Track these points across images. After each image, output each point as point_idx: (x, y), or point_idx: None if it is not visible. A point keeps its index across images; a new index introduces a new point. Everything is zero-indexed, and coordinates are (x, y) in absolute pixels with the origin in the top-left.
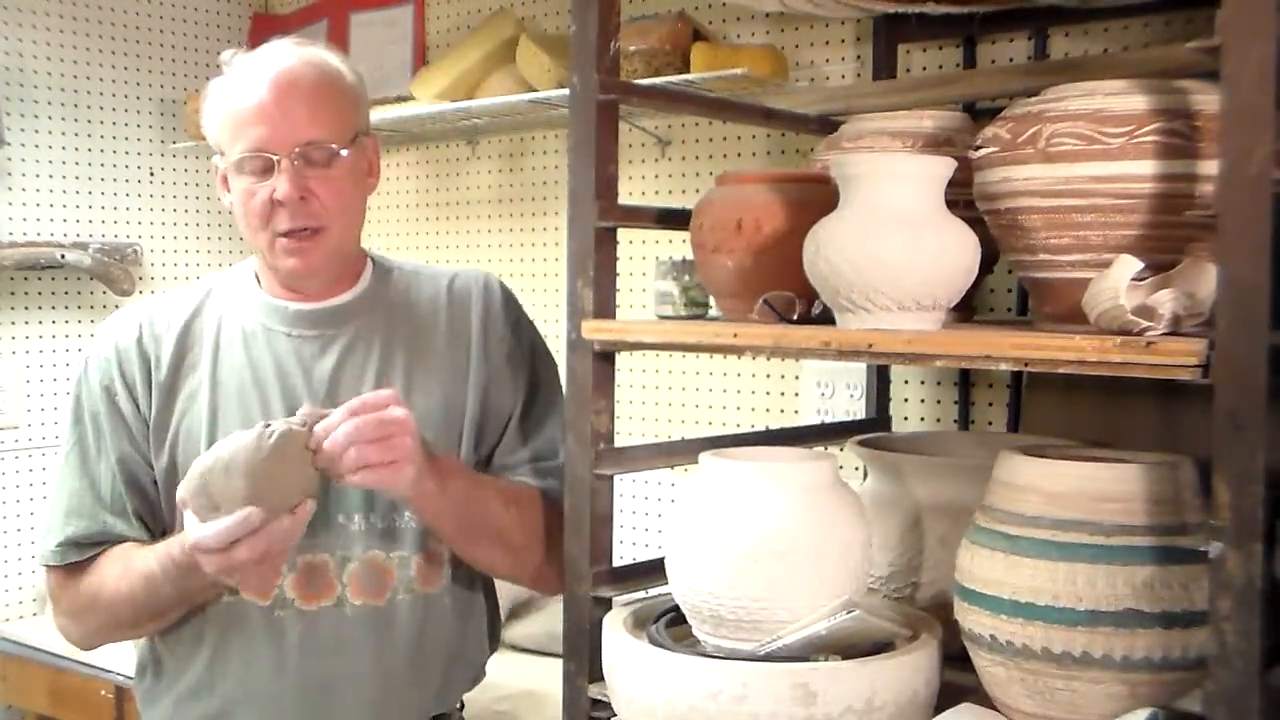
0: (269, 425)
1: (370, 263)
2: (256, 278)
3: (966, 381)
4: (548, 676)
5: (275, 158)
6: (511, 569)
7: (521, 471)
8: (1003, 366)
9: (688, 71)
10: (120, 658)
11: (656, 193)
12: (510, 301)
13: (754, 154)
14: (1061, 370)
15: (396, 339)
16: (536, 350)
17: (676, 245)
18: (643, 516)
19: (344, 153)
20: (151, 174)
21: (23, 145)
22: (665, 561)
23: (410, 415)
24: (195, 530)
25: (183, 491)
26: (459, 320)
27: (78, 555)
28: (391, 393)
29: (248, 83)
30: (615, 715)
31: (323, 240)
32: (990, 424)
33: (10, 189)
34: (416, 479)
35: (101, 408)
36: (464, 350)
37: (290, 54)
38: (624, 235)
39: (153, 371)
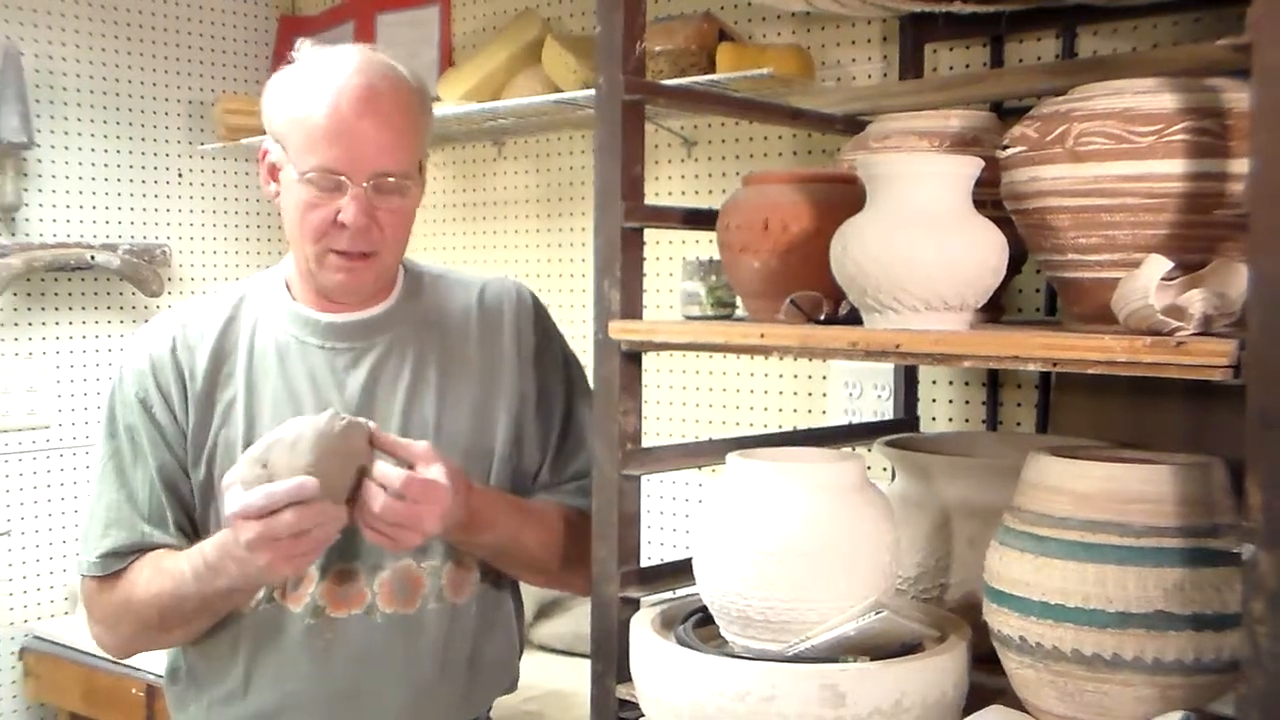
0: (338, 412)
1: (402, 270)
2: (287, 285)
3: (995, 382)
4: (575, 676)
5: (347, 181)
6: (544, 584)
7: (565, 490)
8: (1031, 367)
9: (713, 72)
10: (151, 657)
11: (683, 193)
12: (541, 312)
13: (780, 154)
14: (1091, 371)
15: (429, 351)
16: (569, 361)
17: (703, 245)
18: (670, 517)
19: (410, 184)
20: (180, 175)
21: (52, 147)
22: (693, 562)
23: (447, 490)
24: (237, 499)
25: (234, 471)
26: (491, 331)
27: (117, 565)
28: (440, 475)
29: (328, 90)
30: (643, 715)
31: (374, 263)
32: (1019, 425)
33: (40, 191)
34: (445, 532)
35: (138, 420)
36: (497, 362)
37: (375, 69)
38: (650, 236)
39: (188, 384)
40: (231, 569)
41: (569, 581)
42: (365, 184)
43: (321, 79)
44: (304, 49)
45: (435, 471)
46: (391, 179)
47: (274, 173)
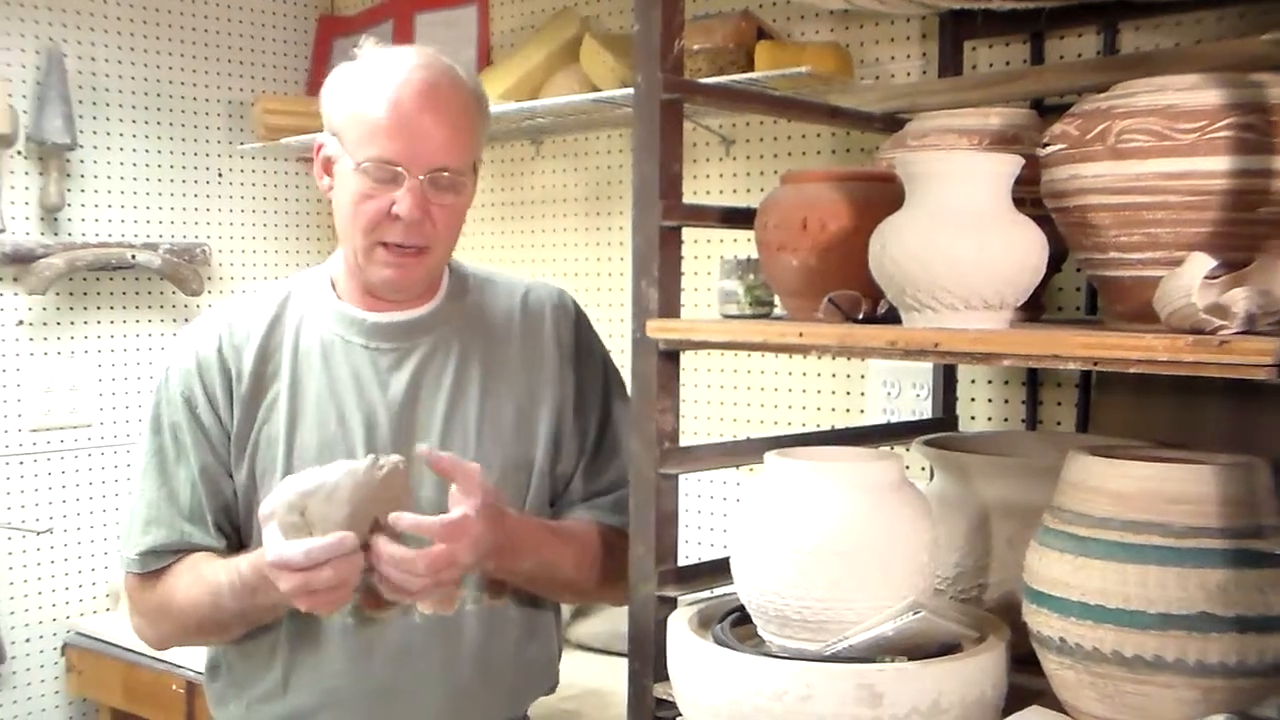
0: (378, 458)
1: (446, 271)
2: (333, 284)
3: (1034, 381)
4: (613, 675)
5: (404, 174)
6: (578, 602)
7: (601, 505)
8: (1071, 366)
9: (752, 70)
10: (191, 654)
11: (721, 191)
12: (582, 317)
13: (819, 152)
14: (1132, 370)
15: (472, 352)
16: (608, 368)
17: (741, 244)
18: (708, 516)
19: (465, 181)
20: (220, 175)
21: (94, 148)
22: (730, 561)
23: (471, 520)
24: (279, 546)
25: (270, 507)
26: (533, 333)
27: (156, 563)
28: (471, 508)
29: (389, 85)
30: (680, 715)
31: (425, 259)
32: (1059, 424)
33: (83, 191)
34: (480, 561)
35: (182, 418)
36: (538, 365)
37: (435, 62)
38: (689, 234)
39: (234, 384)
40: (272, 592)
41: (604, 596)
42: (421, 177)
43: (383, 75)
44: (365, 46)
45: (468, 503)
46: (447, 174)
47: (328, 167)
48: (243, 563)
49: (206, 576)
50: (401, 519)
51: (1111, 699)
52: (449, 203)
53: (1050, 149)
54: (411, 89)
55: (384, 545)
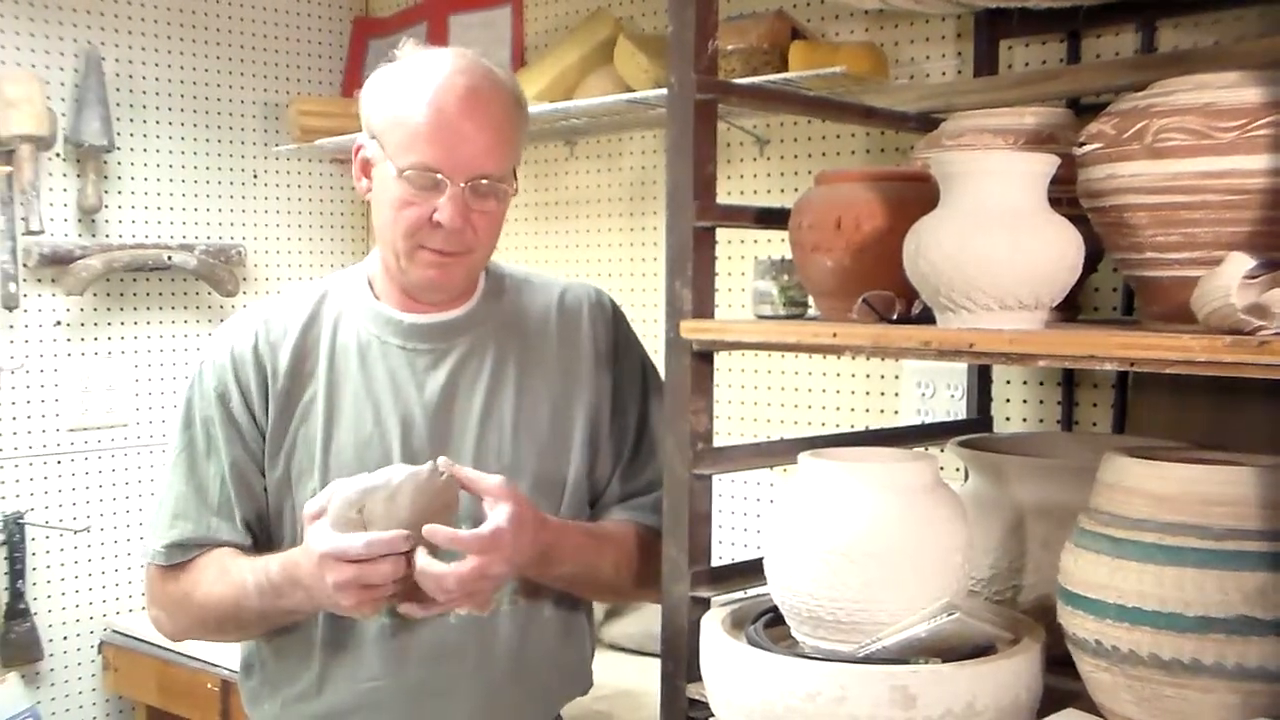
0: (438, 465)
1: (484, 271)
2: (370, 284)
3: (1070, 382)
4: (645, 676)
5: (446, 181)
6: (615, 601)
7: (638, 506)
8: (1108, 366)
9: (786, 70)
10: (226, 652)
11: (755, 192)
12: (620, 318)
13: (853, 152)
14: (1169, 370)
15: (508, 353)
16: (646, 369)
17: (775, 245)
18: (741, 517)
19: (506, 188)
20: (255, 176)
21: (131, 150)
22: (764, 562)
23: (506, 532)
24: (335, 539)
25: (320, 504)
26: (569, 334)
27: (181, 556)
28: (503, 517)
29: (430, 89)
30: (713, 715)
31: (465, 261)
32: (1095, 425)
33: (120, 193)
34: (519, 570)
35: (215, 413)
36: (574, 365)
37: (475, 66)
38: (722, 235)
39: (269, 381)
40: (298, 595)
41: (642, 596)
42: (463, 184)
43: (424, 78)
44: (405, 48)
45: (499, 514)
46: (488, 181)
47: (367, 169)
48: (272, 563)
49: (232, 574)
50: (437, 533)
51: (1149, 702)
52: (489, 209)
53: (1087, 148)
54: (453, 94)
55: (420, 559)
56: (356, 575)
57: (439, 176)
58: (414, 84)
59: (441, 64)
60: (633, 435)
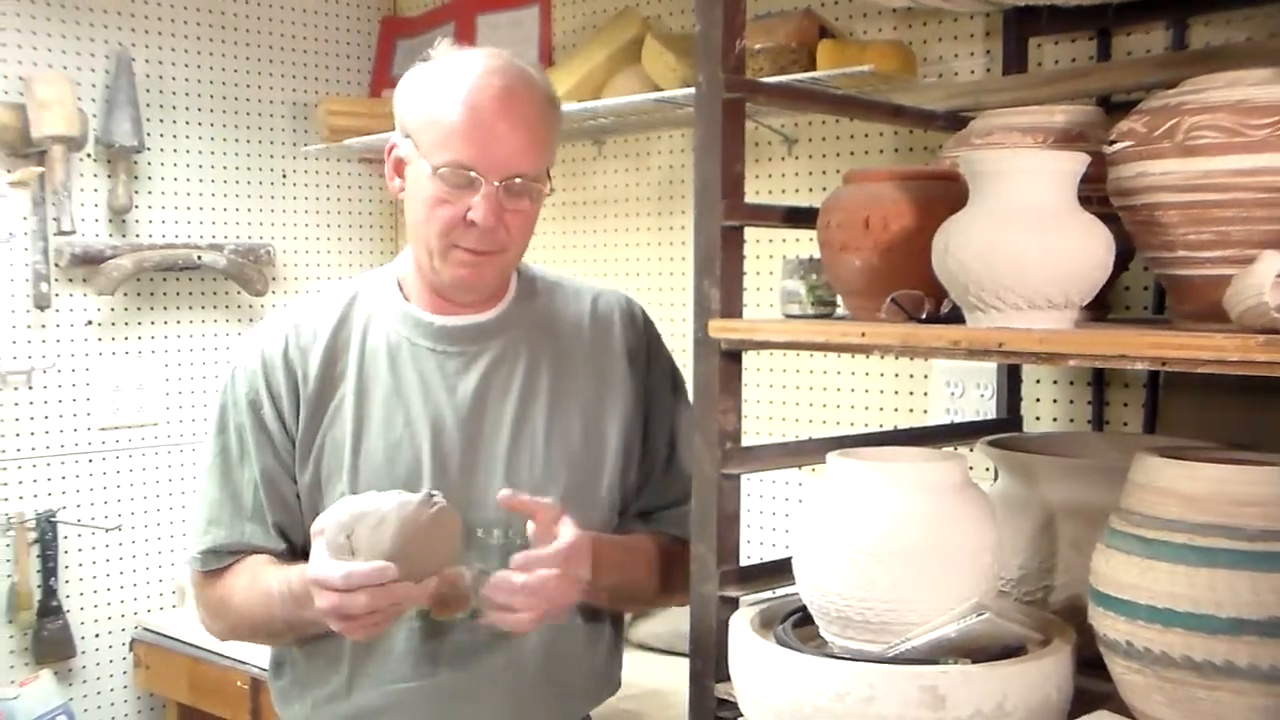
0: (434, 495)
1: (515, 274)
2: (399, 285)
3: (1100, 381)
4: (674, 675)
5: (480, 180)
6: (639, 610)
7: (668, 518)
8: (1139, 366)
9: (814, 69)
10: (256, 651)
11: (783, 191)
12: (651, 327)
13: (881, 151)
14: (1201, 370)
15: (541, 356)
16: (677, 380)
17: (804, 244)
18: (770, 516)
19: (540, 187)
20: (284, 176)
21: (161, 150)
22: (792, 561)
23: (588, 562)
24: (322, 565)
25: (321, 524)
26: (602, 341)
27: (217, 563)
28: (570, 533)
29: (464, 88)
30: (741, 715)
31: (497, 261)
32: (1125, 425)
33: (150, 193)
34: None
35: (246, 420)
36: (607, 372)
37: (510, 65)
38: (751, 234)
39: (300, 386)
40: (314, 608)
41: (666, 603)
42: (498, 183)
43: (458, 77)
44: (440, 47)
45: (568, 529)
46: (522, 181)
47: (400, 168)
48: (293, 574)
49: (261, 583)
50: (515, 557)
51: (1181, 704)
52: (523, 208)
53: (1117, 146)
54: (488, 93)
55: (508, 576)
56: (336, 605)
57: (473, 175)
58: (448, 83)
59: (476, 63)
60: (664, 447)
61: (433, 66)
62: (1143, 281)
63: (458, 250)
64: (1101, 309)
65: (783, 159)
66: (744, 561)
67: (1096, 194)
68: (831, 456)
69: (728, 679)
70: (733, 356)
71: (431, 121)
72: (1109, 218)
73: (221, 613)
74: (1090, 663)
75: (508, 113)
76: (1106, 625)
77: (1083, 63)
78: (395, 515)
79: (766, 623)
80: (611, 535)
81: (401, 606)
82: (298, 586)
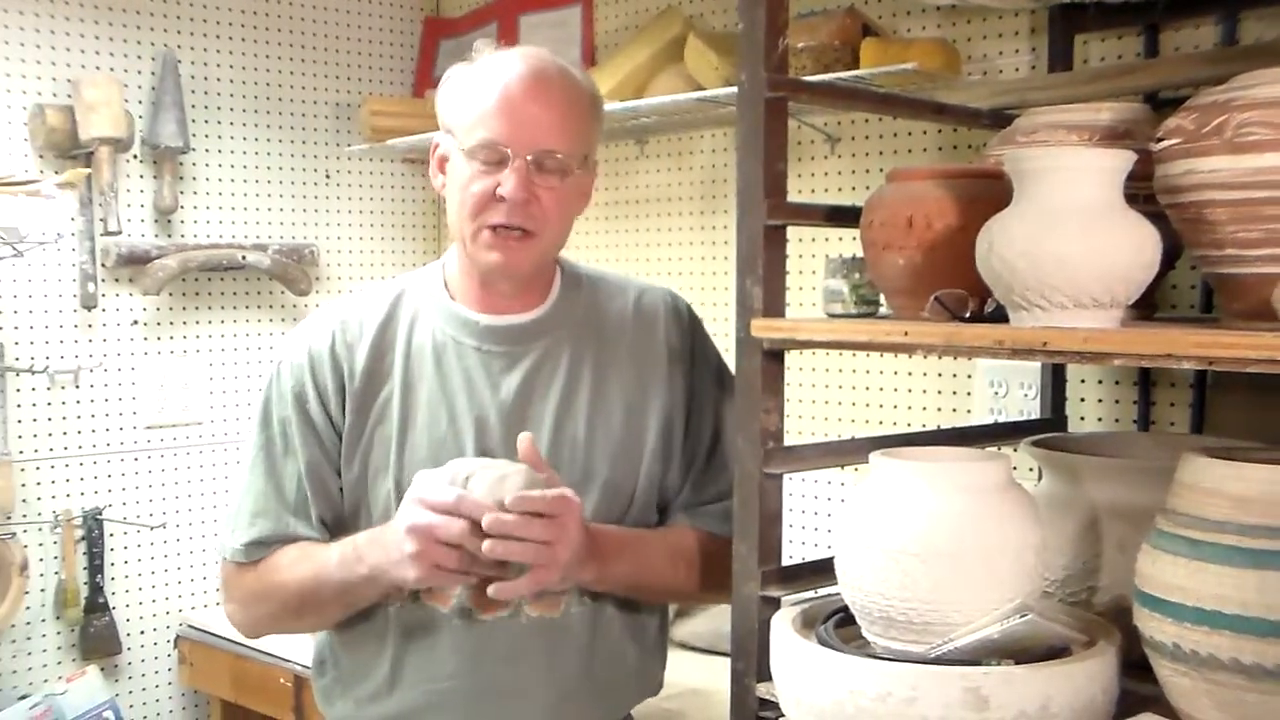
0: (555, 475)
1: (560, 271)
2: (445, 284)
3: (1147, 381)
4: (715, 675)
5: (510, 154)
6: (683, 604)
7: (707, 514)
8: (1185, 365)
9: (857, 67)
10: (299, 648)
11: (826, 190)
12: (696, 324)
13: (925, 150)
14: (1250, 370)
15: (584, 356)
16: (723, 376)
17: (846, 243)
18: (812, 516)
19: (576, 170)
20: (327, 177)
21: (206, 151)
22: (834, 561)
23: (577, 522)
24: (432, 489)
25: (432, 472)
26: (645, 338)
27: (260, 554)
28: (564, 498)
29: (499, 74)
30: (783, 715)
31: (530, 245)
32: (1172, 425)
33: (195, 193)
34: (573, 574)
35: (292, 413)
36: (649, 369)
37: (547, 60)
38: (793, 233)
39: (346, 382)
40: (373, 554)
41: (707, 600)
42: (528, 157)
43: (494, 69)
44: (478, 48)
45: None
46: (553, 157)
47: (443, 165)
48: (359, 535)
49: (313, 553)
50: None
51: (1230, 708)
52: (554, 185)
53: (1165, 143)
54: (520, 78)
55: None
56: (432, 524)
57: (504, 150)
58: (484, 75)
59: (512, 56)
60: (707, 444)
61: (470, 66)
62: (1190, 280)
63: (490, 232)
64: (1148, 308)
65: (825, 158)
66: (786, 561)
67: (1143, 192)
68: (874, 456)
69: (769, 679)
70: (775, 356)
71: (467, 110)
72: (1156, 216)
73: (259, 599)
74: (1136, 665)
75: (539, 94)
76: (1152, 627)
77: (1130, 59)
78: (521, 478)
79: (808, 623)
80: (625, 527)
81: (477, 565)
82: (363, 539)
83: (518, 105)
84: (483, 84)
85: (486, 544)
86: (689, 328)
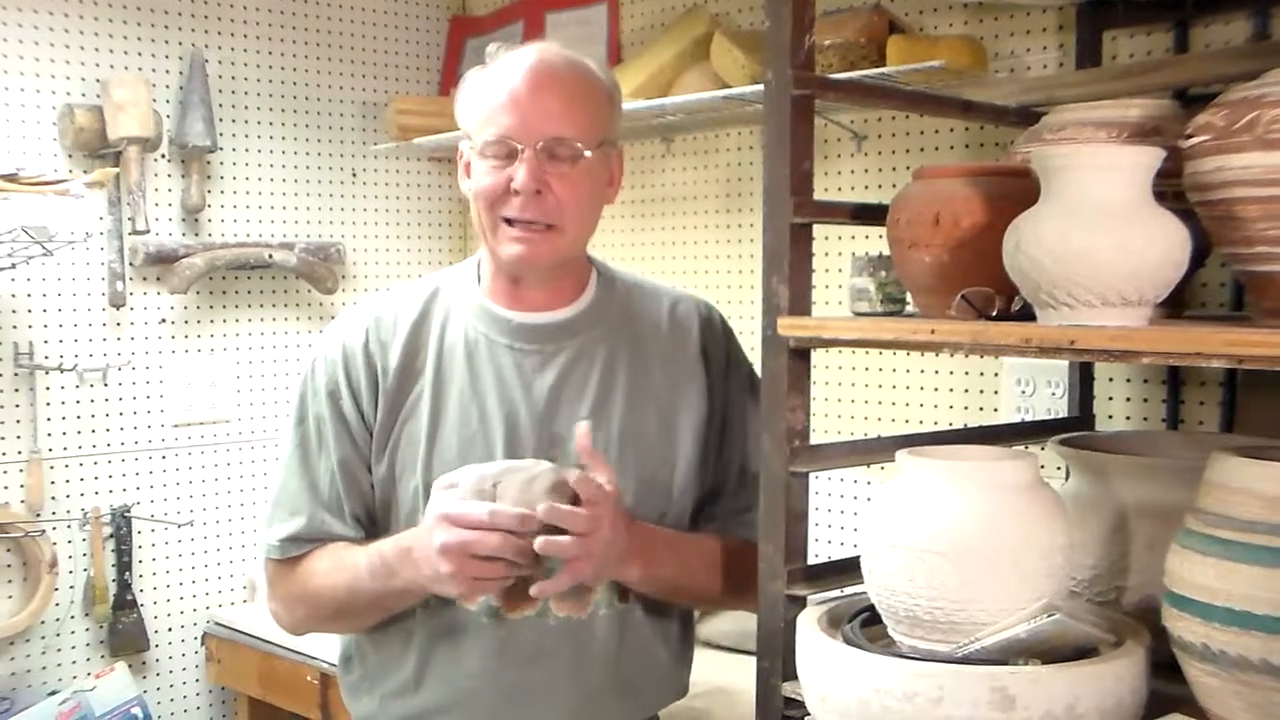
0: (586, 470)
1: (595, 272)
2: (480, 281)
3: (1175, 379)
4: (741, 674)
5: (519, 146)
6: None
7: (741, 521)
8: (1214, 364)
9: (884, 64)
10: (326, 646)
11: (853, 188)
12: (730, 334)
13: (952, 147)
14: None
15: (618, 359)
16: (755, 387)
17: (873, 241)
18: (839, 515)
19: (588, 154)
20: (354, 175)
21: (234, 150)
22: (860, 560)
23: (613, 514)
24: (458, 503)
25: (455, 478)
26: (679, 345)
27: (295, 550)
28: (600, 486)
29: (506, 72)
30: (808, 714)
31: (552, 237)
32: (1201, 424)
33: (223, 192)
34: (614, 572)
35: (325, 410)
36: (683, 377)
37: (553, 52)
38: (819, 231)
39: (379, 379)
40: (407, 571)
41: (735, 605)
42: (539, 145)
43: (502, 69)
44: (491, 52)
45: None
46: (562, 143)
47: (468, 170)
48: (386, 544)
49: (345, 561)
50: (554, 511)
51: (1260, 709)
52: (566, 173)
53: (1194, 140)
54: (524, 72)
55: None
56: (467, 540)
57: (513, 143)
58: (493, 75)
59: (520, 54)
60: (740, 453)
61: (486, 68)
62: (1220, 278)
63: (508, 225)
64: (1178, 306)
65: (852, 155)
66: (811, 560)
67: (1172, 189)
68: (901, 455)
69: (795, 678)
70: (801, 354)
71: (478, 111)
72: (1185, 213)
73: (298, 600)
74: (1164, 665)
75: (543, 84)
76: (1181, 627)
77: (1159, 55)
78: (549, 477)
79: (834, 622)
80: (671, 530)
81: (516, 569)
82: (390, 552)
83: (523, 98)
84: (492, 84)
85: (538, 542)
86: (723, 338)
